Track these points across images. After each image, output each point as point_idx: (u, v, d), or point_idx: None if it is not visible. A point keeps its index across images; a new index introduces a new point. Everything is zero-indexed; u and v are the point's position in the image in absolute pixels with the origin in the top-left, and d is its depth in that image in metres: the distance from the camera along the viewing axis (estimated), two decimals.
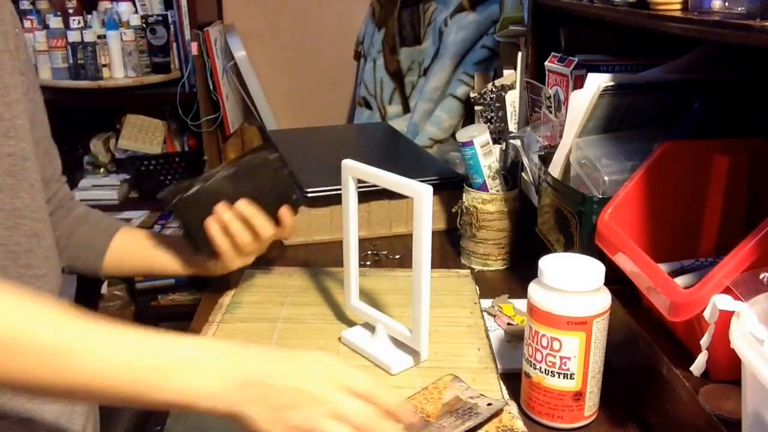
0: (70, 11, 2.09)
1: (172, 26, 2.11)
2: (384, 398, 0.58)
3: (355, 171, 0.81)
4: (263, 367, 0.57)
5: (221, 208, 0.86)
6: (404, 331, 0.81)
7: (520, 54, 1.20)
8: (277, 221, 0.90)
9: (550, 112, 1.00)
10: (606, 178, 0.81)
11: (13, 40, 0.80)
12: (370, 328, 0.85)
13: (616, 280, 0.69)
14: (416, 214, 0.74)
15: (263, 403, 0.55)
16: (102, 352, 0.54)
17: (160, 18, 2.08)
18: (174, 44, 2.14)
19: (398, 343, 0.82)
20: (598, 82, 0.82)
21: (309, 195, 1.13)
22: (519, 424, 0.70)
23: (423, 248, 0.74)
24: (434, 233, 1.21)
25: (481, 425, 0.69)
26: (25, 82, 0.81)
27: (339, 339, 0.86)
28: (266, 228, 0.89)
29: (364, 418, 0.57)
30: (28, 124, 0.79)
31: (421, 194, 0.73)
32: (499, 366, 0.81)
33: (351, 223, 0.83)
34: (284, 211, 0.90)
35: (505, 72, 1.28)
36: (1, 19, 0.79)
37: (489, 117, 1.27)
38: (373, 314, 0.85)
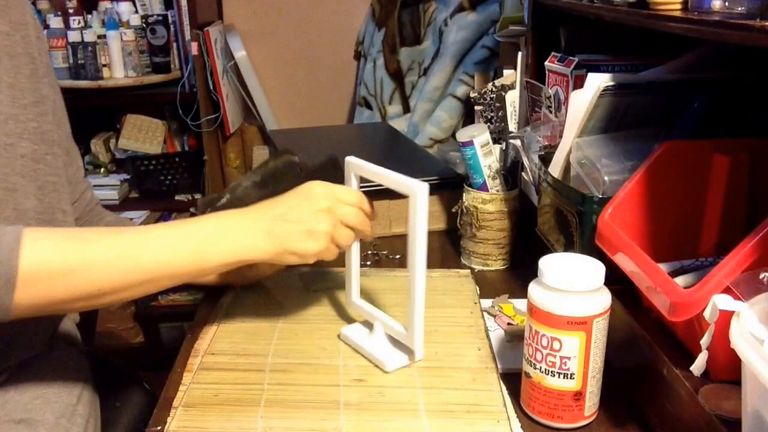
0: (70, 11, 2.09)
1: (172, 26, 2.12)
2: (365, 202, 0.80)
3: (357, 168, 0.82)
4: (276, 210, 0.76)
5: None
6: (400, 330, 0.81)
7: (520, 54, 1.20)
8: None
9: (550, 112, 1.00)
10: (606, 178, 0.81)
11: (35, 44, 0.81)
12: (370, 326, 0.85)
13: (616, 280, 0.69)
14: (411, 211, 0.74)
15: (290, 233, 0.74)
16: (167, 242, 0.71)
17: (160, 18, 2.09)
18: (174, 44, 2.14)
19: (395, 341, 0.83)
20: (598, 82, 0.82)
21: None
22: None
23: (418, 246, 0.75)
24: (434, 233, 1.22)
25: None
26: (46, 84, 0.82)
27: (338, 336, 0.86)
28: None
29: (359, 220, 0.79)
30: (45, 127, 0.80)
31: (417, 192, 0.73)
32: (499, 366, 0.81)
33: None
34: None
35: (505, 72, 1.28)
36: (22, 23, 0.80)
37: (489, 117, 1.27)
38: (372, 312, 0.85)
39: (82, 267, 0.65)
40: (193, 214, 0.95)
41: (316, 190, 0.77)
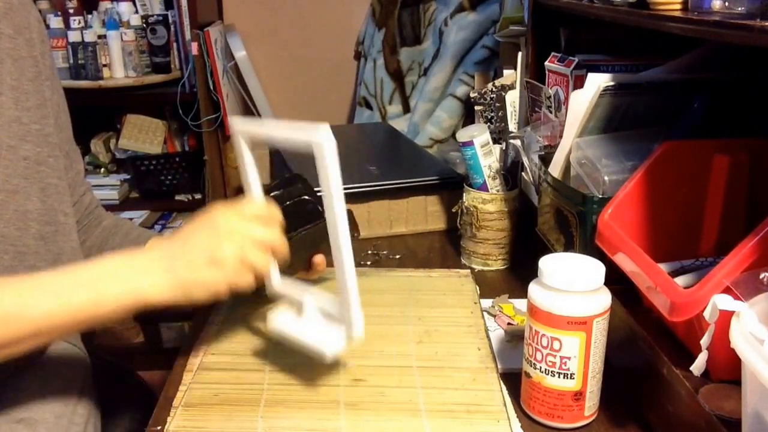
0: (71, 11, 2.09)
1: (172, 26, 2.11)
2: (274, 212, 0.73)
3: (245, 133, 0.74)
4: (174, 245, 0.70)
5: None
6: (332, 304, 0.73)
7: (520, 54, 1.20)
8: (309, 264, 0.87)
9: (550, 112, 1.00)
10: (606, 178, 0.81)
11: (39, 47, 0.81)
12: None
13: (616, 280, 0.70)
14: (320, 166, 0.65)
15: (191, 265, 0.67)
16: (53, 289, 0.65)
17: (161, 18, 2.08)
18: (174, 44, 2.14)
19: (331, 320, 0.75)
20: (598, 82, 0.82)
21: None
22: None
23: (335, 205, 0.67)
24: (434, 233, 1.22)
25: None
26: (49, 87, 0.82)
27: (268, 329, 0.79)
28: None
29: (270, 234, 0.71)
30: (47, 129, 0.80)
31: (321, 143, 0.64)
32: (499, 366, 0.81)
33: (255, 189, 0.77)
34: (319, 259, 0.87)
35: (505, 72, 1.28)
36: (26, 26, 0.80)
37: (489, 117, 1.27)
38: (298, 290, 0.77)
39: None
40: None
41: (215, 212, 0.71)
